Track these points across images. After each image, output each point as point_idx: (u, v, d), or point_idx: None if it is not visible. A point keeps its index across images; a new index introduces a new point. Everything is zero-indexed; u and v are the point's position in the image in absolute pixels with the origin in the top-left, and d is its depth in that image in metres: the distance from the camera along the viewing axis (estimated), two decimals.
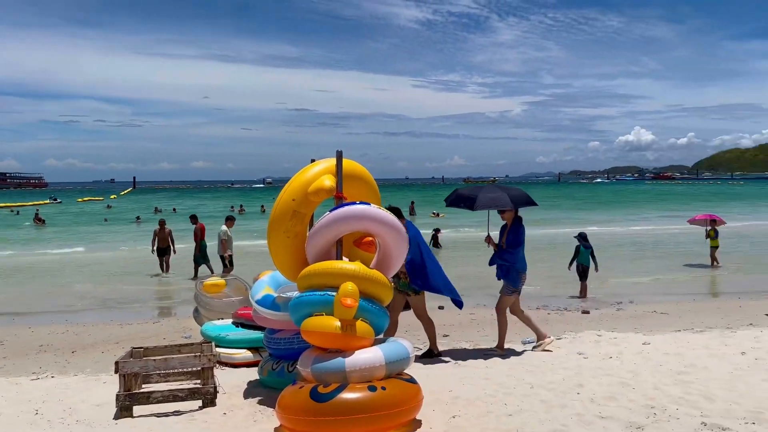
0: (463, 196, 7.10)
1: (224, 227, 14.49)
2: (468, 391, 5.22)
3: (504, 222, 6.99)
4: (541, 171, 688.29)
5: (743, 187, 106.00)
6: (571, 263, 12.61)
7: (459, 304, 6.80)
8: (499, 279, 6.95)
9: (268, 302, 5.40)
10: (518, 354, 6.76)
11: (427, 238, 17.29)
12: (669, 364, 5.85)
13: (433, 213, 36.80)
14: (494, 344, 7.12)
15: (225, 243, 14.38)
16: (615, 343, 7.15)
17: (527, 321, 7.04)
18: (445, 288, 6.56)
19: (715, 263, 15.73)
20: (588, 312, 10.69)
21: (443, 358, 6.63)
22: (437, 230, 21.59)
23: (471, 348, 7.27)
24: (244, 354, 6.74)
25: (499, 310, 7.00)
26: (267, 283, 5.83)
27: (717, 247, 15.88)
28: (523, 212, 7.08)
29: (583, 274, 12.41)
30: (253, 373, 5.99)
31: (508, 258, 6.75)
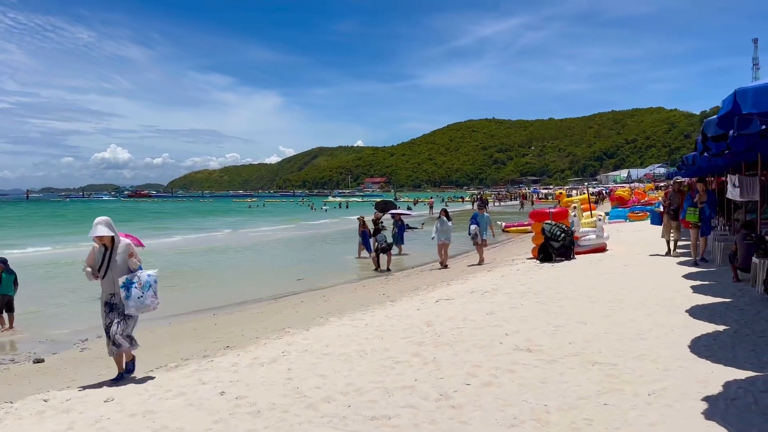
0: None
1: None
2: None
3: None
4: (6, 188, 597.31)
5: (212, 204, 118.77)
6: None
7: None
8: None
9: None
10: None
11: None
12: None
13: None
14: None
15: None
16: (67, 409, 5.22)
17: None
18: None
19: None
20: (42, 360, 8.33)
21: None
22: None
23: None
24: None
25: None
26: None
27: None
28: None
29: (7, 306, 10.20)
30: None
31: None
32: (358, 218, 20.81)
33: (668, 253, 12.99)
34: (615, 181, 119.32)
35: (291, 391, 5.05)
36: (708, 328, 6.30)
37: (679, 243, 13.42)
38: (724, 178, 15.42)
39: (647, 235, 18.86)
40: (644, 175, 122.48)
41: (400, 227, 20.79)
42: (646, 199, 37.99)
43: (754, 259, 8.26)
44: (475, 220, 15.98)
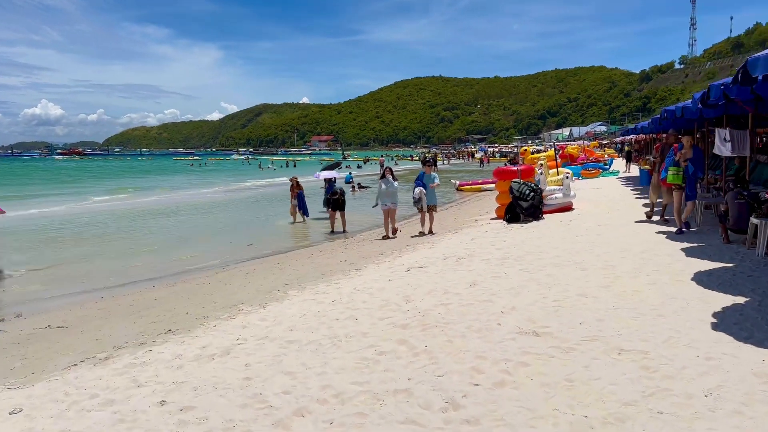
0: None
1: None
2: None
3: None
4: None
5: (152, 162, 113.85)
6: None
7: None
8: None
9: None
10: None
11: None
12: None
13: None
14: None
15: None
16: None
17: None
18: None
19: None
20: None
21: None
22: None
23: None
24: None
25: None
26: None
27: None
28: None
29: None
30: None
31: None
32: (290, 179, 19.23)
33: (650, 217, 11.64)
34: (558, 140, 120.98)
35: (252, 400, 3.98)
36: (725, 300, 5.58)
37: (657, 202, 12.25)
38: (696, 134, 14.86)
39: (608, 191, 18.51)
40: (585, 133, 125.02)
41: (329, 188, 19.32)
42: (594, 156, 38.19)
43: (753, 220, 7.64)
44: (420, 181, 13.14)
